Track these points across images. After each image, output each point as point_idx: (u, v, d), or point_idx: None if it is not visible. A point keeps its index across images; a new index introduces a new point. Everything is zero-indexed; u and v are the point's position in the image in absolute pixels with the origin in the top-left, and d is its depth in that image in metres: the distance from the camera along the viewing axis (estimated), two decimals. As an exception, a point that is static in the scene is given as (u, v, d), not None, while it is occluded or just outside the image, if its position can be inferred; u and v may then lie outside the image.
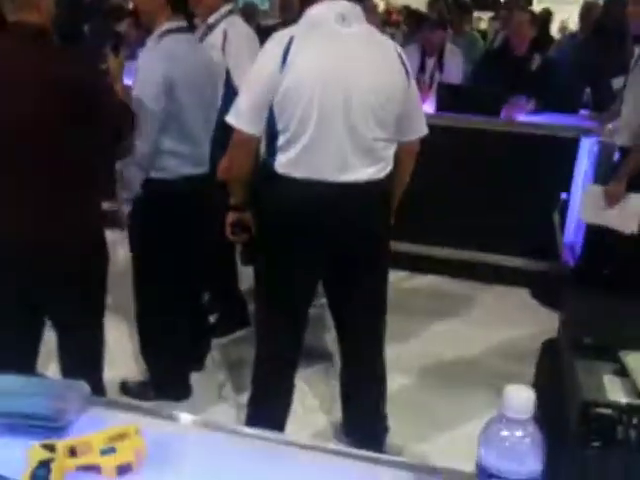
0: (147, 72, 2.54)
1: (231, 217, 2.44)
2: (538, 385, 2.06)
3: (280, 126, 2.19)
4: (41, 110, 1.98)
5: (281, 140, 2.21)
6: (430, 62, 4.94)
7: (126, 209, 2.72)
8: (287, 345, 2.48)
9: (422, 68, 4.92)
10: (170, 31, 2.61)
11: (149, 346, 2.99)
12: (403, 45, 5.80)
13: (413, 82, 2.30)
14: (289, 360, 2.51)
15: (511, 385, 0.91)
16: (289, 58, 2.12)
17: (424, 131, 2.39)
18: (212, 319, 3.58)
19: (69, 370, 2.37)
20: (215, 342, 3.45)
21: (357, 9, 2.21)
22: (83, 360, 2.38)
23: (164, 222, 2.71)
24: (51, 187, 2.06)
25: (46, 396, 1.08)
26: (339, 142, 2.18)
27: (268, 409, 2.50)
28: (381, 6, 18.06)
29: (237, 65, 2.96)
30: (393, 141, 2.30)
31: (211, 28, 3.10)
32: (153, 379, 3.00)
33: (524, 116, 4.38)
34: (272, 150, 2.25)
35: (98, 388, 2.41)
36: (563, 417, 1.78)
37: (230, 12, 3.17)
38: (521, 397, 0.89)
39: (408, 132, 2.34)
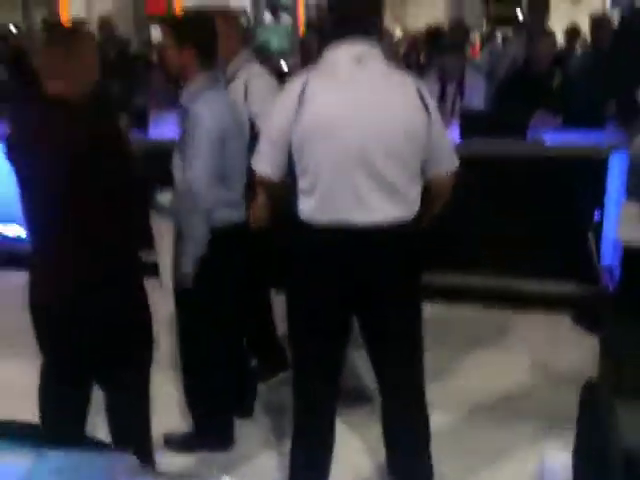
0: (203, 129, 2.57)
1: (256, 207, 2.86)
2: (581, 432, 1.96)
3: (299, 171, 2.24)
4: (65, 171, 2.12)
5: (301, 185, 2.25)
6: (451, 89, 4.96)
7: (191, 268, 2.67)
8: (324, 391, 2.48)
9: (442, 96, 4.94)
10: (210, 85, 2.67)
11: (195, 397, 3.00)
12: (422, 71, 5.89)
13: (436, 117, 2.27)
14: (327, 406, 2.51)
15: (549, 449, 0.87)
16: (303, 105, 2.17)
17: (453, 165, 2.37)
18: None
19: (118, 429, 2.42)
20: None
21: (375, 50, 2.24)
22: (131, 419, 2.44)
23: (217, 271, 2.73)
24: (80, 242, 2.19)
25: (97, 470, 1.10)
26: (357, 184, 2.19)
27: (310, 457, 2.50)
28: (397, 31, 18.24)
29: (261, 113, 2.98)
30: (417, 179, 2.29)
31: (231, 78, 3.14)
32: (198, 429, 3.00)
33: (551, 133, 4.36)
34: (296, 196, 2.29)
35: (146, 449, 2.46)
36: (607, 467, 1.71)
37: (248, 60, 3.25)
38: (559, 465, 0.85)
39: (435, 167, 2.32)
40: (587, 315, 4.08)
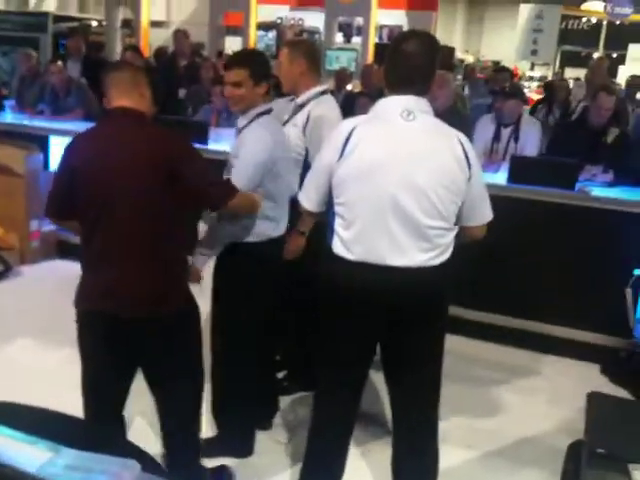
0: (254, 152, 2.77)
1: (296, 239, 3.06)
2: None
3: (337, 209, 2.38)
4: (139, 182, 2.31)
5: (338, 221, 2.38)
6: (506, 132, 5.00)
7: (202, 265, 2.87)
8: (342, 413, 2.59)
9: (497, 137, 5.00)
10: (264, 112, 2.88)
11: (222, 404, 3.13)
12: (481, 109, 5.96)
13: (476, 171, 2.36)
14: (344, 429, 2.61)
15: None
16: (347, 149, 2.30)
17: (487, 218, 2.46)
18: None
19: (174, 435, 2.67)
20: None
21: (422, 102, 2.35)
22: (184, 423, 2.68)
23: (254, 283, 2.91)
24: (151, 248, 2.39)
25: (102, 473, 1.23)
26: (391, 229, 2.29)
27: (321, 478, 2.61)
28: (469, 59, 18.31)
29: (313, 146, 3.10)
30: (451, 228, 2.38)
31: (301, 107, 3.26)
32: (221, 436, 3.13)
33: (600, 186, 4.39)
34: (331, 230, 2.42)
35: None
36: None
37: (322, 93, 3.29)
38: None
39: (470, 219, 2.42)
40: (616, 367, 4.10)
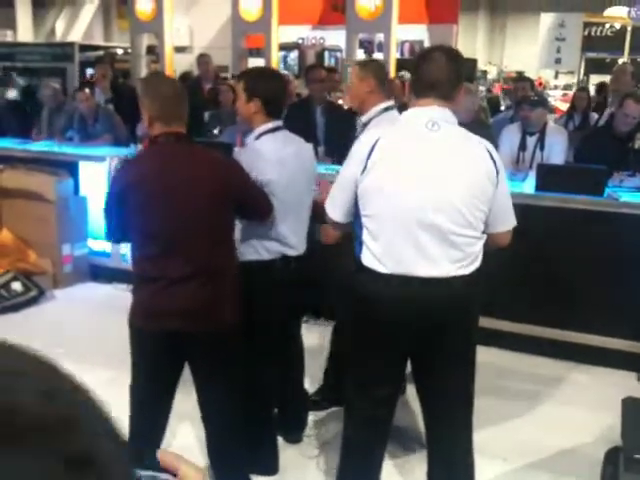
0: (244, 163, 2.80)
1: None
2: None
3: (364, 220, 2.37)
4: (208, 203, 2.48)
5: (365, 233, 2.37)
6: (531, 140, 4.97)
7: None
8: (375, 430, 2.58)
9: (523, 146, 4.97)
10: (265, 132, 2.89)
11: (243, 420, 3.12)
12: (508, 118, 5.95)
13: (502, 179, 2.36)
14: (376, 446, 2.59)
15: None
16: (370, 161, 2.30)
17: (512, 224, 2.46)
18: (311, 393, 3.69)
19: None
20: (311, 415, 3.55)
21: (447, 112, 2.35)
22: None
23: (261, 301, 2.90)
24: (216, 266, 2.53)
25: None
26: (419, 240, 2.28)
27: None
28: (493, 72, 18.25)
29: None
30: (479, 236, 2.37)
31: (365, 126, 3.26)
32: (245, 454, 3.12)
33: (629, 191, 4.34)
34: (359, 242, 2.41)
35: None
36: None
37: (386, 109, 3.27)
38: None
39: (495, 226, 2.42)
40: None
